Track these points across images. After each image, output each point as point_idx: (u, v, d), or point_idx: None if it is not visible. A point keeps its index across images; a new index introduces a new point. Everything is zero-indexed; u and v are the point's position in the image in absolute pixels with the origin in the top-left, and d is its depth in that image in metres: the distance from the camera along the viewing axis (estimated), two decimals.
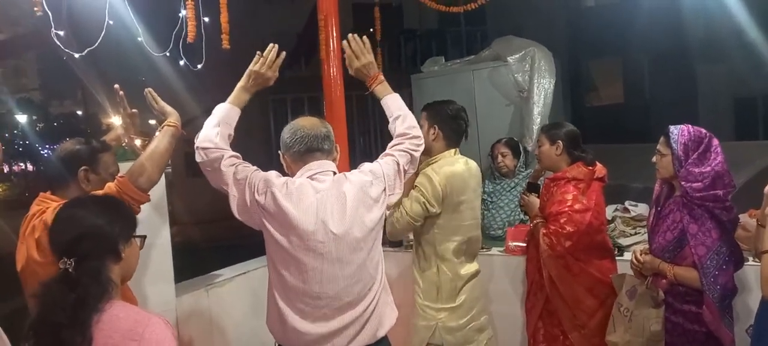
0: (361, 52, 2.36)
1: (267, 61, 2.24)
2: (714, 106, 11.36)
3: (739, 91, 11.58)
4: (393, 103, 2.36)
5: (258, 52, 2.26)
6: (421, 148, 2.33)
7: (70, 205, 1.62)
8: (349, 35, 2.37)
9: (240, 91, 2.23)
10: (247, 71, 2.25)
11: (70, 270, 1.46)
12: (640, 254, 2.58)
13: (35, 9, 2.62)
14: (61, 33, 2.79)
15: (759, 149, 6.12)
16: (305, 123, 2.10)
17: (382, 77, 2.39)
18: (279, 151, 2.15)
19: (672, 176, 2.43)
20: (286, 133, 2.10)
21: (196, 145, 2.10)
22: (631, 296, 2.53)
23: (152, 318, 1.48)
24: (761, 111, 11.67)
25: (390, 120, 2.35)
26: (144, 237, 1.66)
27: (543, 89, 4.67)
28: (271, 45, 2.27)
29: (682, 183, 2.35)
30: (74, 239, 1.49)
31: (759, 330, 2.08)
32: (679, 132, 2.39)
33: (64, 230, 1.52)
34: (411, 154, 2.25)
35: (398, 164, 2.18)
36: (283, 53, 2.28)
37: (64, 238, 1.51)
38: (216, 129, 2.11)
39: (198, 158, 2.10)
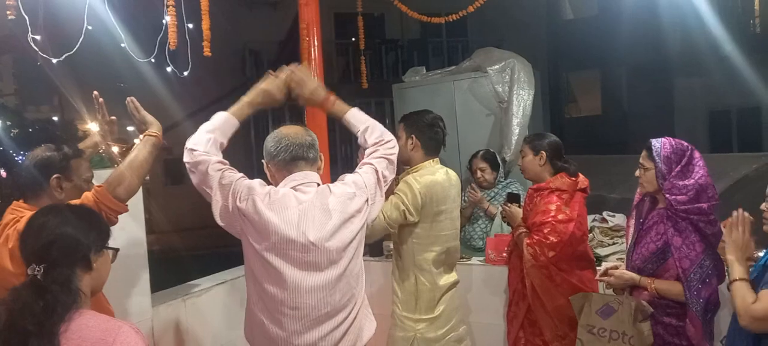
0: (307, 78, 2.29)
1: (277, 81, 2.21)
2: (690, 118, 11.60)
3: (714, 105, 11.83)
4: (357, 117, 2.31)
5: (270, 71, 2.24)
6: (396, 151, 2.30)
7: (42, 212, 1.59)
8: (289, 67, 2.27)
9: (244, 105, 2.19)
10: (256, 87, 2.21)
11: (38, 277, 1.43)
12: (607, 274, 2.55)
13: (8, 13, 2.58)
14: (38, 37, 2.75)
15: (733, 161, 6.22)
16: (289, 131, 2.09)
17: (334, 96, 2.34)
18: (263, 161, 2.13)
19: (656, 189, 2.42)
20: (270, 141, 2.09)
21: (186, 146, 2.07)
22: (605, 315, 2.48)
23: (123, 326, 1.45)
24: (735, 124, 11.92)
25: (358, 134, 2.31)
26: (116, 250, 1.63)
27: (522, 100, 4.72)
28: (288, 67, 2.26)
29: (667, 196, 2.35)
30: (44, 246, 1.46)
31: (732, 342, 2.11)
32: (661, 145, 2.40)
33: (34, 236, 1.49)
34: (388, 159, 2.24)
35: (377, 172, 2.18)
36: (297, 77, 2.24)
37: (34, 244, 1.48)
38: (209, 135, 2.08)
39: (185, 158, 2.07)
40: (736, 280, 1.95)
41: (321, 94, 2.30)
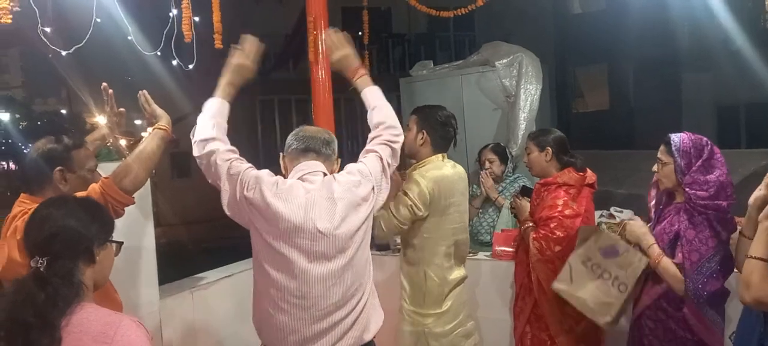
0: (341, 44, 2.37)
1: (245, 52, 2.23)
2: (698, 113, 11.50)
3: (722, 100, 11.73)
4: (371, 95, 2.36)
5: (234, 45, 2.26)
6: (401, 139, 2.32)
7: (46, 204, 1.58)
8: (329, 29, 2.42)
9: (227, 86, 2.22)
10: (228, 65, 2.24)
11: (41, 269, 1.43)
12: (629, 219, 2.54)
13: (12, 4, 2.58)
14: (48, 30, 2.76)
15: (741, 157, 6.18)
16: (310, 128, 2.17)
17: (364, 71, 2.39)
18: (280, 153, 2.16)
19: (675, 184, 2.41)
20: (290, 136, 2.15)
21: (193, 140, 2.11)
22: (606, 254, 2.47)
23: (124, 320, 1.44)
24: (743, 119, 11.82)
25: (368, 111, 2.35)
26: (120, 243, 1.63)
27: (529, 95, 4.70)
28: (246, 36, 2.26)
29: (687, 190, 2.33)
30: (47, 238, 1.46)
31: (741, 336, 2.10)
32: (680, 140, 2.38)
33: (37, 228, 1.49)
34: (391, 147, 2.25)
35: (382, 160, 2.19)
36: (260, 44, 2.27)
37: (37, 236, 1.48)
38: (211, 122, 2.12)
39: (195, 152, 2.11)
40: (762, 259, 1.86)
41: (350, 63, 2.37)
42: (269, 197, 1.94)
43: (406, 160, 2.95)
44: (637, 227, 2.49)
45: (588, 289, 2.51)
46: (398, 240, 2.97)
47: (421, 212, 2.68)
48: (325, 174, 2.07)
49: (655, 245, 2.41)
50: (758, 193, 1.99)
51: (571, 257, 2.59)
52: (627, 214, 3.85)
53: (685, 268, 2.31)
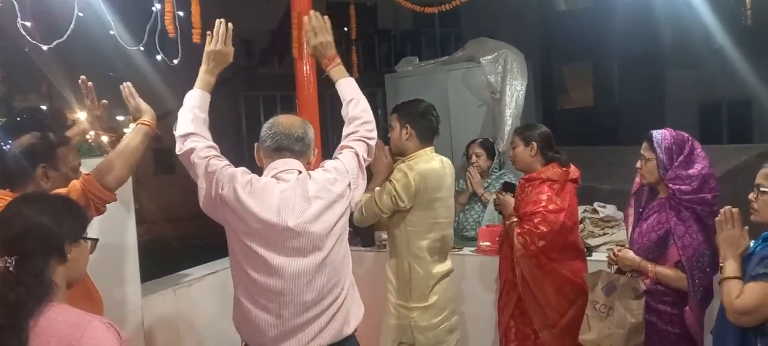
0: (321, 30, 2.30)
1: (218, 37, 2.19)
2: (681, 110, 11.65)
3: (705, 96, 11.89)
4: (347, 87, 2.31)
5: (208, 32, 2.22)
6: (375, 133, 2.29)
7: (17, 201, 1.54)
8: (311, 12, 2.31)
9: (204, 75, 2.19)
10: (205, 53, 2.21)
11: (10, 269, 1.39)
12: (618, 249, 2.59)
13: None
14: (28, 24, 2.71)
15: (723, 153, 6.28)
16: (284, 121, 2.10)
17: (339, 60, 2.34)
18: (256, 143, 2.14)
19: (657, 179, 2.45)
20: (265, 126, 2.11)
21: (176, 136, 2.09)
22: (608, 291, 2.52)
23: (92, 321, 1.40)
24: (725, 116, 11.99)
25: (343, 103, 2.31)
26: (95, 240, 1.58)
27: (515, 91, 4.72)
28: (217, 21, 2.22)
29: (670, 186, 2.37)
30: (16, 237, 1.41)
31: (719, 331, 2.13)
32: (661, 136, 2.43)
33: (7, 226, 1.44)
34: (367, 143, 2.23)
35: (358, 156, 2.18)
36: (230, 25, 2.23)
37: (6, 234, 1.43)
38: (189, 115, 2.10)
39: (176, 149, 2.08)
40: (728, 278, 1.96)
41: (328, 51, 2.30)
42: (242, 195, 1.93)
43: (395, 159, 2.95)
44: (629, 252, 2.54)
45: (596, 329, 2.56)
46: (384, 236, 2.97)
47: (404, 203, 2.69)
48: (300, 172, 2.05)
49: (644, 261, 2.45)
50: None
51: (586, 309, 2.64)
52: (610, 209, 3.91)
53: (682, 264, 2.34)
